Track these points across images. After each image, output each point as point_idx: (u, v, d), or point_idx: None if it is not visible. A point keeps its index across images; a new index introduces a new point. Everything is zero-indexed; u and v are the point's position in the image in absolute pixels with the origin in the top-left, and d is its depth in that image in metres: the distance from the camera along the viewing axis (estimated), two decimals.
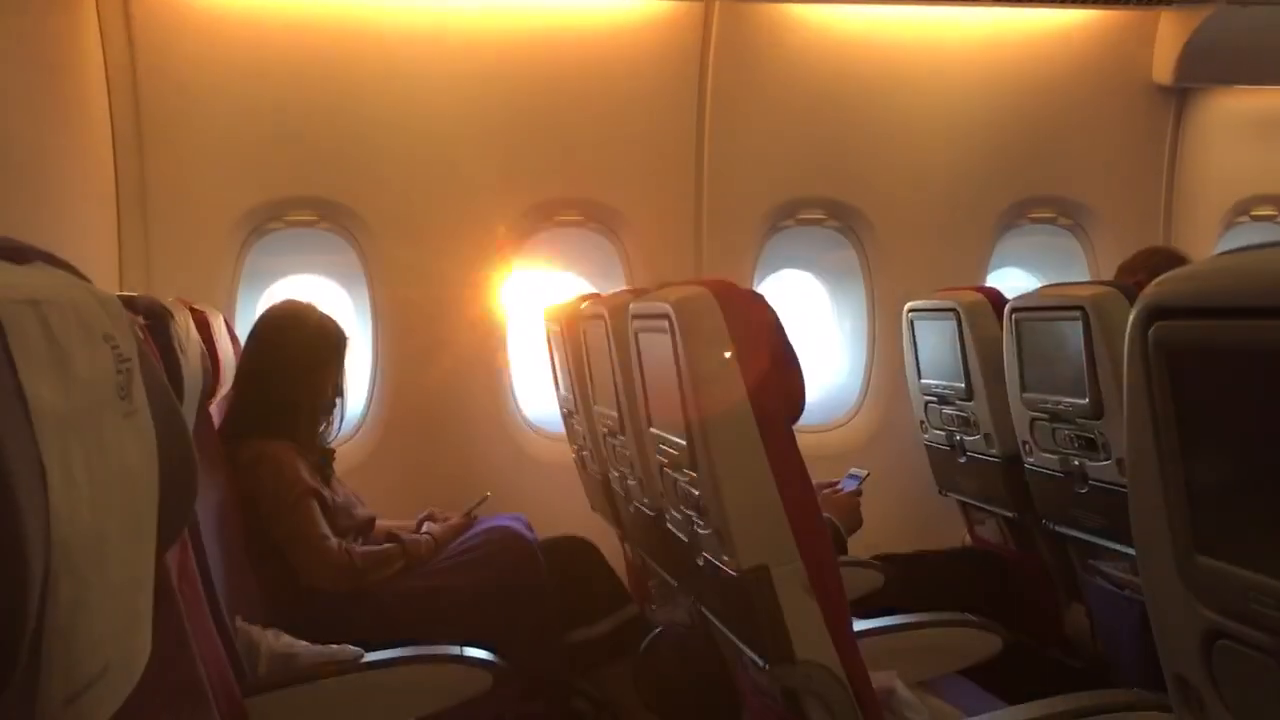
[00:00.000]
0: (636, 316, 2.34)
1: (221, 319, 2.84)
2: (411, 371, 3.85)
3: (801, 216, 4.14)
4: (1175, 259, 3.22)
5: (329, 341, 3.03)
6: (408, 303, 3.83)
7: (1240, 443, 0.93)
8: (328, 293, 3.94)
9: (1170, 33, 4.10)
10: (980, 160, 4.17)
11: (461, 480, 3.70)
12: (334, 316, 3.09)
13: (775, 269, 4.28)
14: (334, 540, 2.80)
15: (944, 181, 4.16)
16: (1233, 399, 0.93)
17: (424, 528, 3.16)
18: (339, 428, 3.14)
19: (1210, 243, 4.47)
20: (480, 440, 3.90)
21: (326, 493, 2.90)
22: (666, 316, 2.03)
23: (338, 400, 3.08)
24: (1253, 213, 4.62)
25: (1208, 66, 4.13)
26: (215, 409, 2.83)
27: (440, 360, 3.86)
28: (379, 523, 3.13)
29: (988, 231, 4.26)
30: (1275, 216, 4.64)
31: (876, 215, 4.12)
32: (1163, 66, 4.16)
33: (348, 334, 3.11)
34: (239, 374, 2.92)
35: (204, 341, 2.19)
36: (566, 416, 3.59)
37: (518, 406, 4.01)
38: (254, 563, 2.67)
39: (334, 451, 3.10)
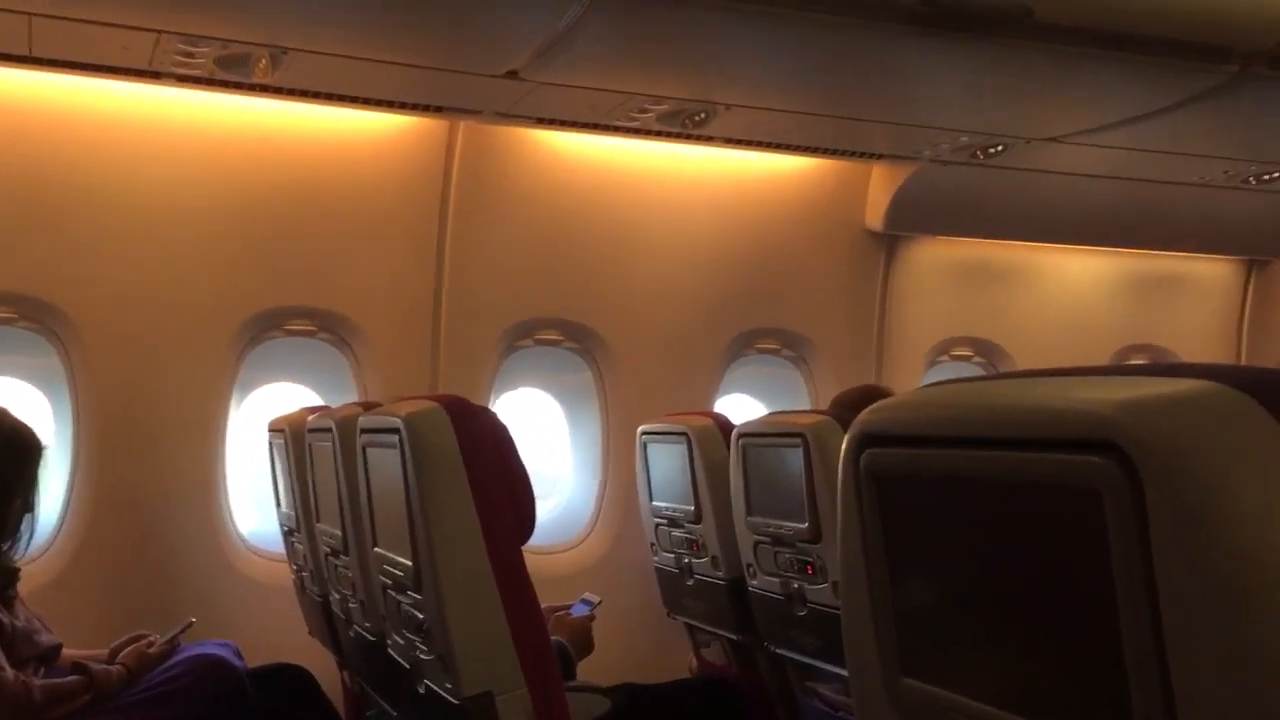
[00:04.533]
0: (366, 430, 2.28)
1: None
2: (115, 484, 3.55)
3: (540, 337, 4.17)
4: (885, 396, 3.43)
5: (20, 451, 2.78)
6: (116, 410, 3.56)
7: (941, 567, 0.98)
8: (24, 397, 3.61)
9: (881, 184, 4.46)
10: (711, 291, 4.35)
11: (166, 604, 3.42)
12: (29, 423, 2.83)
13: (513, 387, 4.27)
14: (9, 671, 2.53)
15: (677, 309, 4.31)
16: (934, 524, 0.98)
17: (118, 657, 2.89)
18: (26, 545, 2.85)
19: (917, 377, 4.81)
20: (190, 560, 3.63)
21: (5, 618, 2.62)
22: (397, 431, 1.99)
23: (27, 515, 2.80)
24: (952, 352, 5.03)
25: (913, 217, 4.51)
26: None
27: (148, 473, 3.59)
28: (66, 651, 2.85)
29: (718, 359, 4.43)
30: (971, 357, 5.06)
31: (613, 339, 4.20)
32: (874, 214, 4.51)
33: (44, 443, 2.86)
34: None
35: None
36: (287, 535, 3.43)
37: (233, 524, 3.78)
38: None
39: (17, 571, 2.81)
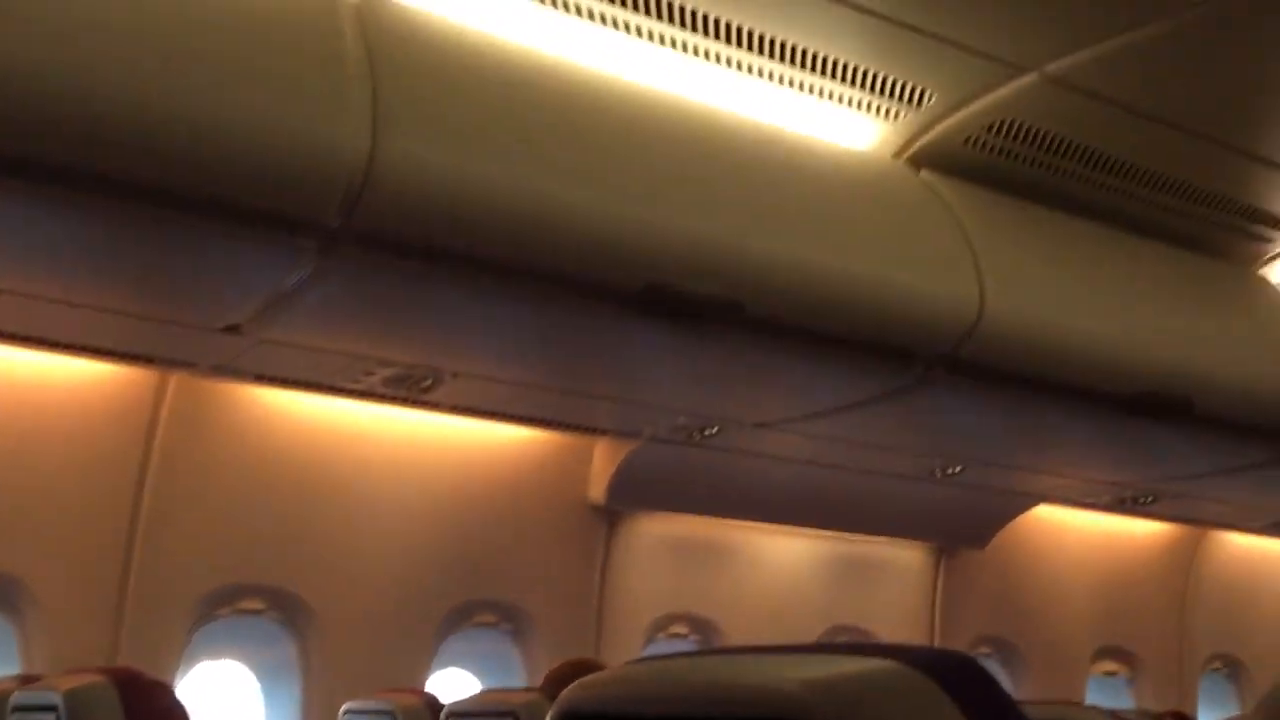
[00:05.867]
0: (18, 709, 2.02)
1: None
2: None
3: (240, 605, 3.89)
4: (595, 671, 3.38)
5: None
6: None
7: None
8: None
9: (603, 459, 4.56)
10: (428, 560, 4.23)
11: None
12: None
13: (207, 659, 3.94)
14: None
15: (392, 578, 4.15)
16: None
17: None
18: None
19: (636, 652, 4.78)
20: None
21: None
22: (54, 709, 1.77)
23: None
24: (669, 629, 5.05)
25: (634, 493, 4.61)
26: None
27: None
28: None
29: (432, 632, 4.26)
30: (688, 634, 5.09)
31: (322, 608, 3.97)
32: (597, 488, 4.58)
33: None
34: None
35: None
36: None
37: None
38: None
39: None
